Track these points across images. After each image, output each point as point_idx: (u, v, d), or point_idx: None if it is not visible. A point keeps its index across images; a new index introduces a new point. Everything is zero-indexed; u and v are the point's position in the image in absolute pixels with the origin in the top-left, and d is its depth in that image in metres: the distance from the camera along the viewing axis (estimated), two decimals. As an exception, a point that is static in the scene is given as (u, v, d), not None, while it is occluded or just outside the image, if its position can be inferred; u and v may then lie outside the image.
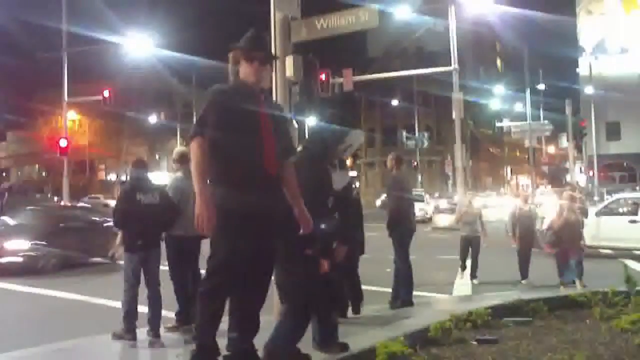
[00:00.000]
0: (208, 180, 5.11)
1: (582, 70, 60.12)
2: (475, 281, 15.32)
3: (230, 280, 5.08)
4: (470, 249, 15.99)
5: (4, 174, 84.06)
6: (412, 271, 10.73)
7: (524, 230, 15.56)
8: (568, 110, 47.61)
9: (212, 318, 5.16)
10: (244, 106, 5.21)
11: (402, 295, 10.48)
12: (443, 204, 46.69)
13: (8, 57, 56.16)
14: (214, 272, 5.12)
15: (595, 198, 45.09)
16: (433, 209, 45.83)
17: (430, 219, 42.37)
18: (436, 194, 55.91)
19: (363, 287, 10.04)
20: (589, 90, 55.31)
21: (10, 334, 9.59)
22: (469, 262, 16.16)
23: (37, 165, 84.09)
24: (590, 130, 53.23)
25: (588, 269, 13.89)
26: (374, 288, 11.17)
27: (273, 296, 6.08)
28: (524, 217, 15.71)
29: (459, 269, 16.09)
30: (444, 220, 38.39)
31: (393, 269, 10.93)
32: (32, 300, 12.70)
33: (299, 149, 6.26)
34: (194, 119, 5.25)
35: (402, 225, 10.71)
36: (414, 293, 10.81)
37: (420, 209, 39.96)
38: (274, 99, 8.57)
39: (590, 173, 59.91)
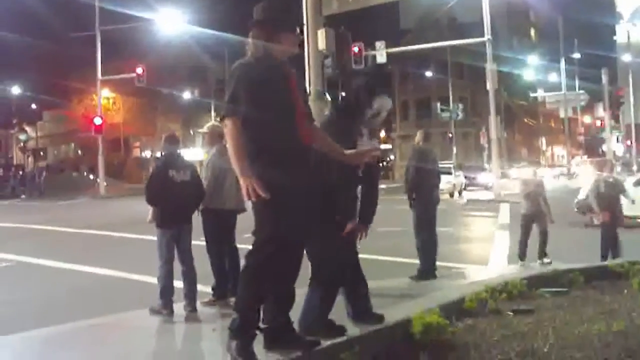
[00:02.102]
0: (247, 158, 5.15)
1: (620, 37, 59.23)
2: (546, 259, 12.70)
3: (278, 253, 5.09)
4: (534, 228, 13.55)
5: (41, 153, 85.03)
6: (436, 243, 10.58)
7: (610, 205, 13.51)
8: (604, 79, 46.96)
9: (258, 291, 5.17)
10: (275, 80, 5.18)
11: (422, 265, 10.33)
12: (461, 178, 43.41)
13: (42, 37, 56.87)
14: (263, 245, 5.10)
15: (634, 168, 44.61)
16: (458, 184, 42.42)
17: (460, 193, 41.28)
18: (453, 165, 48.69)
19: (399, 259, 10.06)
20: (626, 58, 54.44)
21: (47, 309, 9.72)
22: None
23: (72, 144, 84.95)
24: (628, 99, 52.46)
25: (627, 240, 13.69)
26: (408, 260, 11.11)
27: (307, 268, 6.09)
28: (609, 190, 13.64)
29: (518, 256, 13.29)
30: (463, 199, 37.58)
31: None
32: (68, 276, 12.84)
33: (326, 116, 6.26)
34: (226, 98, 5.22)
35: (423, 197, 10.57)
36: (449, 265, 10.77)
37: (447, 182, 39.60)
38: (306, 71, 8.55)
39: (628, 143, 59.16)
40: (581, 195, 20.73)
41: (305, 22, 10.30)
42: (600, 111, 59.83)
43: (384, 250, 13.43)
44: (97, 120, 45.81)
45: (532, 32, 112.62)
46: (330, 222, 5.83)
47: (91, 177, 60.41)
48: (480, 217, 26.03)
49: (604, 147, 57.28)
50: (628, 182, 21.30)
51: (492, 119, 34.94)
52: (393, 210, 11.00)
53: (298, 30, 5.43)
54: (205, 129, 9.11)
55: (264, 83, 5.10)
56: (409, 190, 10.55)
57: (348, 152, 5.52)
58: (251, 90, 5.06)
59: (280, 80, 5.20)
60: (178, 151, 8.47)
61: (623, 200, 18.99)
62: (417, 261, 10.60)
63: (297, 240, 5.25)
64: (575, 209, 20.58)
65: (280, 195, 5.00)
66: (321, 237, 5.77)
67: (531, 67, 73.84)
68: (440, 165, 12.18)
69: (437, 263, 10.52)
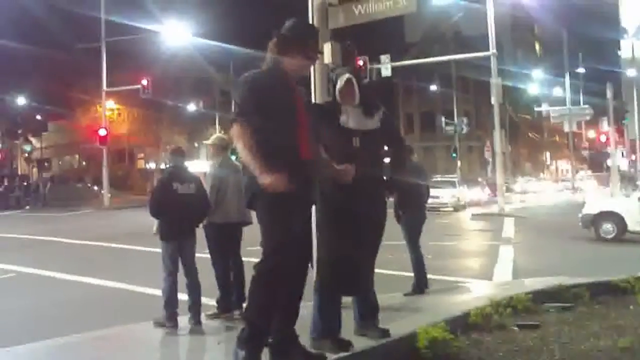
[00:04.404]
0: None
1: (624, 52, 59.01)
2: None
3: (286, 263, 5.10)
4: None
5: (45, 164, 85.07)
6: (422, 258, 10.46)
7: None
8: (609, 93, 46.84)
9: (267, 301, 5.14)
10: (283, 95, 5.23)
11: (415, 281, 10.25)
12: (446, 195, 38.79)
13: (47, 48, 56.72)
14: (271, 255, 5.11)
15: (638, 183, 44.56)
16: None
17: (464, 207, 41.05)
18: (458, 179, 47.47)
19: (404, 273, 10.06)
20: (631, 72, 54.31)
21: (49, 321, 9.71)
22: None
23: (77, 155, 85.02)
24: (632, 114, 52.39)
25: (632, 255, 13.65)
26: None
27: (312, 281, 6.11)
28: None
29: None
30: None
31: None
32: (71, 287, 12.82)
33: None
34: (233, 107, 5.28)
35: (409, 214, 10.44)
36: (454, 279, 10.71)
37: (452, 196, 39.58)
38: (312, 85, 8.57)
39: (633, 157, 59.08)
40: (585, 210, 20.72)
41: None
42: (605, 126, 59.71)
43: (388, 263, 13.41)
44: (102, 132, 45.84)
45: (537, 46, 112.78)
46: (340, 228, 5.92)
47: (95, 188, 60.37)
48: (484, 231, 25.99)
49: (609, 162, 57.11)
50: (633, 197, 21.33)
51: (497, 133, 34.95)
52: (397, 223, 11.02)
53: (312, 54, 5.48)
54: (211, 141, 9.13)
55: (270, 93, 5.15)
56: (394, 207, 10.40)
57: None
58: (257, 99, 5.12)
59: (285, 93, 5.25)
60: (184, 164, 8.47)
61: (628, 216, 19.03)
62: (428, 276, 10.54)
63: (303, 250, 5.29)
64: (580, 223, 20.54)
65: (285, 206, 5.03)
66: (329, 242, 5.92)
67: (536, 82, 73.93)
68: (444, 179, 12.08)
69: (441, 277, 10.47)
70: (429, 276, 10.53)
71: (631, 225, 19.41)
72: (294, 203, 5.12)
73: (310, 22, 5.56)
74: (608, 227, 19.70)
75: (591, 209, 20.67)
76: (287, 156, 5.10)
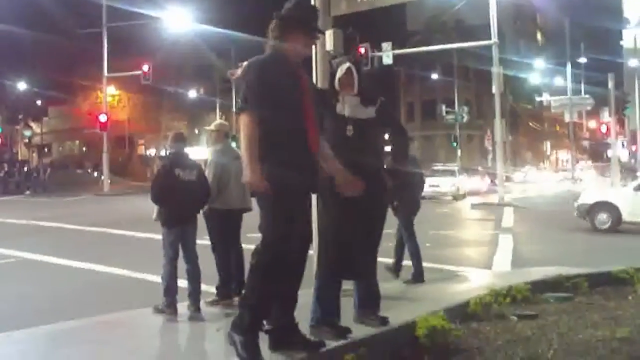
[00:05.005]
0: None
1: (627, 42, 58.86)
2: None
3: (288, 252, 5.09)
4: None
5: (45, 150, 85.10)
6: (419, 247, 10.41)
7: None
8: (610, 84, 46.74)
9: (267, 289, 5.12)
10: (289, 83, 5.17)
11: (415, 269, 10.19)
12: (446, 184, 40.15)
13: (49, 33, 56.65)
14: (274, 243, 5.07)
15: (638, 174, 44.54)
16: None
17: (464, 196, 41.07)
18: (458, 168, 47.78)
19: (404, 261, 10.08)
20: (633, 63, 54.17)
21: (50, 307, 9.71)
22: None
23: (77, 141, 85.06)
24: (633, 105, 52.31)
25: (628, 246, 13.67)
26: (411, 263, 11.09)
27: (312, 269, 6.11)
28: None
29: None
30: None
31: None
32: (72, 273, 12.82)
33: None
34: (233, 94, 5.26)
35: (403, 204, 10.39)
36: (453, 268, 10.70)
37: (452, 185, 39.67)
38: (314, 73, 8.53)
39: (634, 148, 59.04)
40: (581, 200, 20.66)
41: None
42: (606, 116, 59.63)
43: (387, 252, 13.41)
44: (102, 117, 45.87)
45: (539, 35, 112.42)
46: (339, 215, 5.95)
47: (95, 174, 60.43)
48: (484, 220, 26.01)
49: (609, 152, 57.11)
50: (629, 188, 21.34)
51: (497, 122, 34.88)
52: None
53: (314, 34, 5.43)
54: (212, 127, 9.10)
55: (277, 82, 5.09)
56: (390, 197, 10.30)
57: (339, 171, 5.56)
58: (265, 88, 5.06)
59: (291, 82, 5.19)
60: (184, 150, 8.44)
61: (623, 207, 19.05)
62: (425, 264, 10.55)
63: (302, 240, 5.28)
64: (576, 214, 20.48)
65: (289, 198, 5.02)
66: (328, 229, 6.00)
67: (537, 71, 73.76)
68: (444, 168, 12.04)
69: (440, 266, 10.47)
70: (428, 265, 10.52)
71: (626, 216, 19.42)
72: (299, 195, 5.14)
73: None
74: (603, 217, 19.66)
75: (587, 198, 20.64)
76: (296, 148, 5.09)
